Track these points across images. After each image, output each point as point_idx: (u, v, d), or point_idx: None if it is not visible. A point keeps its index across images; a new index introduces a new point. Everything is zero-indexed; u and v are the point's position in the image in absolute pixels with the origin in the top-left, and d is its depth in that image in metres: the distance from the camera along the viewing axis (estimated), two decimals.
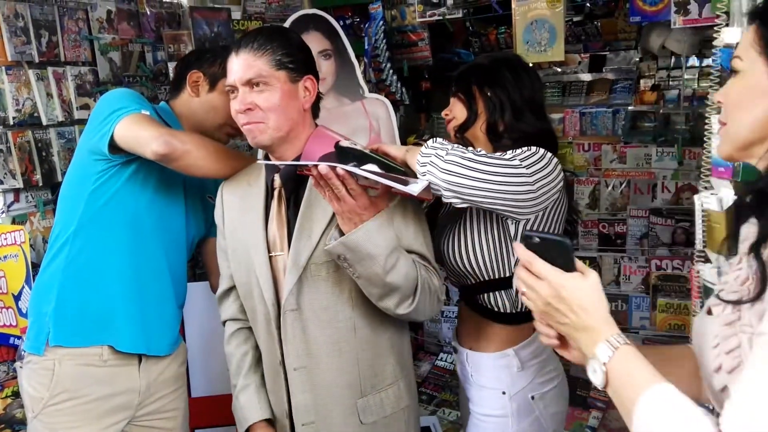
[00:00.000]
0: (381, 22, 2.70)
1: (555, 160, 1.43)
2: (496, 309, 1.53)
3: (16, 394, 2.04)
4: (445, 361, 3.19)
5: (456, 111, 1.60)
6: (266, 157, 1.52)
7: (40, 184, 2.20)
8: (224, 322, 1.61)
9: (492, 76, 1.55)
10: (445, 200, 1.36)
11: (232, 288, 1.56)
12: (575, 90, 3.40)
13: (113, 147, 1.56)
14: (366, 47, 2.72)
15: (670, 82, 2.97)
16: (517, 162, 1.35)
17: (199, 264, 2.11)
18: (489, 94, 1.54)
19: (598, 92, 3.31)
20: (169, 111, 1.74)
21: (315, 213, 1.40)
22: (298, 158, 1.41)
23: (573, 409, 2.76)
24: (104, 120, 1.56)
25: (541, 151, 1.41)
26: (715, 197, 1.44)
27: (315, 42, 2.24)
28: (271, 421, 1.50)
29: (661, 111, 2.99)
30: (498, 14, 2.57)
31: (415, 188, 1.21)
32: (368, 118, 2.26)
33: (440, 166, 1.31)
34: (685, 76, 2.83)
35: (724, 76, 1.41)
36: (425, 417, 2.49)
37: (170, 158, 1.50)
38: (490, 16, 2.73)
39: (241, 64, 1.38)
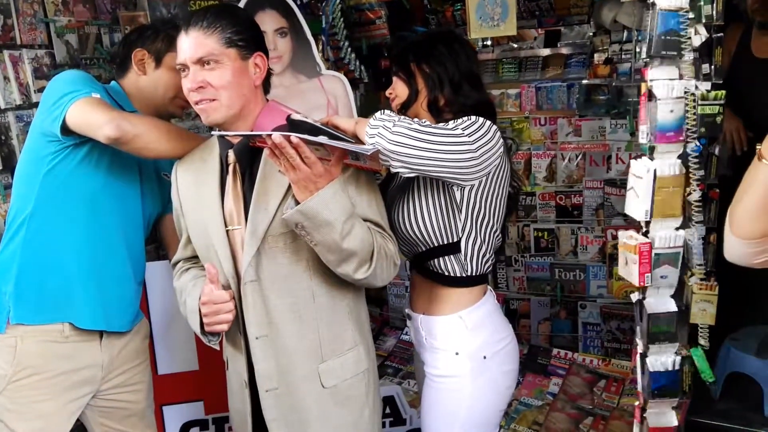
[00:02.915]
0: (338, 0, 2.71)
1: (494, 127, 1.49)
2: (446, 273, 1.58)
3: None
4: (410, 335, 3.26)
5: (398, 89, 1.65)
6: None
7: (0, 167, 2.19)
8: (175, 263, 1.65)
9: (428, 51, 1.60)
10: (393, 170, 1.41)
11: (194, 257, 1.60)
12: (531, 65, 3.45)
13: (65, 129, 1.57)
14: (323, 25, 2.73)
15: (623, 56, 3.04)
16: (459, 131, 1.41)
17: (163, 246, 2.13)
18: (427, 70, 1.59)
19: (554, 67, 3.37)
20: (119, 90, 1.75)
21: (270, 186, 1.43)
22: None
23: (534, 376, 2.87)
24: (55, 103, 1.57)
25: (481, 119, 1.47)
26: (667, 162, 1.49)
27: (271, 20, 2.25)
28: None
29: (614, 84, 3.06)
30: None
31: (367, 148, 1.26)
32: (326, 96, 2.29)
33: (388, 138, 1.36)
34: (637, 50, 2.89)
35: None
36: (389, 386, 2.55)
37: (122, 142, 1.51)
38: None
39: (191, 43, 1.40)
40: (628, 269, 1.49)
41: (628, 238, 1.49)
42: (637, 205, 1.46)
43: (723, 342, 2.65)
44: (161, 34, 1.74)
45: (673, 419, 1.59)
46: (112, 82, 1.78)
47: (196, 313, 1.48)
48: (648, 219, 1.46)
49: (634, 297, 1.55)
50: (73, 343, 1.66)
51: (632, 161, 1.49)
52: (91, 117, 1.52)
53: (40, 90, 2.30)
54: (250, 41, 1.45)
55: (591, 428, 2.55)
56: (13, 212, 1.69)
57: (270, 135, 1.23)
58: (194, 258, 1.62)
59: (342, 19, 2.75)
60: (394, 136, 1.36)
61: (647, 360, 1.55)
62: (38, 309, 1.64)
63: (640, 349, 1.56)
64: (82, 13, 2.50)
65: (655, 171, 1.43)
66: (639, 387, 1.59)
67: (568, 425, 2.60)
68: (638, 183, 1.46)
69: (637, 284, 1.48)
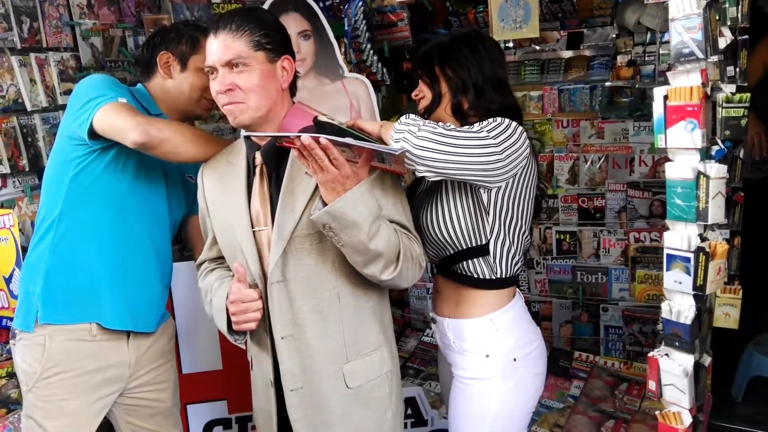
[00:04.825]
0: (360, 3, 2.72)
1: (520, 128, 1.49)
2: (475, 276, 1.58)
3: (11, 375, 2.08)
4: (431, 336, 3.27)
5: (424, 91, 1.65)
6: (246, 136, 1.56)
7: (27, 169, 2.23)
8: (199, 264, 1.66)
9: (452, 55, 1.60)
10: (419, 174, 1.42)
11: (219, 258, 1.61)
12: (554, 67, 3.43)
13: (92, 134, 1.59)
14: (346, 28, 2.74)
15: (646, 58, 3.01)
16: (484, 133, 1.41)
17: (187, 246, 2.16)
18: (450, 74, 1.59)
19: (576, 69, 3.34)
20: (145, 93, 1.77)
21: (297, 187, 1.44)
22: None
23: (556, 379, 2.85)
24: (82, 107, 1.59)
25: (507, 120, 1.46)
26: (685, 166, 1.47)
27: (294, 23, 2.27)
28: None
29: (637, 86, 3.03)
30: None
31: (395, 149, 1.27)
32: (348, 98, 2.30)
33: (413, 142, 1.37)
34: (661, 51, 2.86)
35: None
36: (411, 388, 2.56)
37: (149, 146, 1.53)
38: None
39: (219, 46, 1.41)
40: (722, 275, 1.45)
41: (712, 246, 1.43)
42: (723, 207, 1.43)
43: (746, 346, 2.62)
44: (185, 37, 1.76)
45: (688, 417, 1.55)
46: (138, 85, 1.80)
47: (223, 311, 1.49)
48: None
49: (690, 311, 1.47)
50: (100, 342, 1.69)
51: (719, 165, 1.44)
52: (118, 122, 1.54)
53: (66, 92, 2.35)
54: (278, 44, 1.46)
55: (612, 431, 2.54)
56: (42, 214, 1.71)
57: (299, 136, 1.24)
58: (219, 258, 1.64)
59: (364, 22, 2.76)
60: (419, 140, 1.37)
61: (705, 361, 1.53)
62: (66, 309, 1.67)
63: (696, 358, 1.51)
64: (107, 16, 2.54)
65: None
66: (695, 400, 1.52)
67: (589, 428, 2.59)
68: (722, 185, 1.43)
69: (722, 288, 1.47)
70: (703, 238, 1.45)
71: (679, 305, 1.49)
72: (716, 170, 1.41)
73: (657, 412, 1.57)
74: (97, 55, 2.49)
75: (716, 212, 1.43)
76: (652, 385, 1.56)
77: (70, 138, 1.65)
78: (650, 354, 1.56)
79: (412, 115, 1.43)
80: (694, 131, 1.41)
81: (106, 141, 1.62)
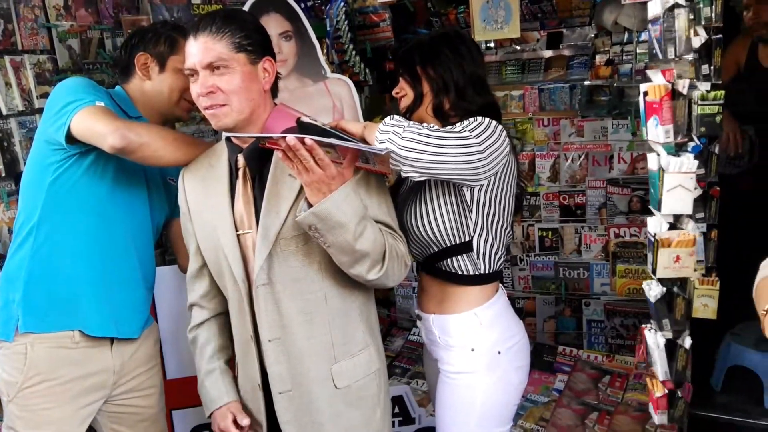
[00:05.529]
0: (342, 3, 2.72)
1: (500, 127, 1.52)
2: (459, 272, 1.61)
3: None
4: (418, 335, 3.27)
5: (406, 89, 1.66)
6: (228, 138, 1.55)
7: (3, 174, 2.17)
8: (190, 307, 1.66)
9: (433, 54, 1.62)
10: (404, 174, 1.43)
11: (203, 266, 1.60)
12: (534, 67, 3.46)
13: (70, 138, 1.57)
14: (328, 29, 2.74)
15: (624, 57, 3.06)
16: (467, 133, 1.43)
17: (169, 250, 2.14)
18: (432, 74, 1.61)
19: (556, 68, 3.38)
20: (124, 96, 1.75)
21: (281, 189, 1.44)
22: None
23: (540, 374, 2.88)
24: (60, 111, 1.57)
25: (487, 120, 1.49)
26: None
27: (275, 24, 2.26)
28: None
29: (615, 85, 3.08)
30: None
31: (380, 149, 1.28)
32: (331, 99, 2.30)
33: (399, 143, 1.38)
34: (638, 51, 2.91)
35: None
36: (398, 387, 2.57)
37: (128, 151, 1.52)
38: None
39: (200, 48, 1.40)
40: (682, 264, 1.53)
41: (675, 237, 1.52)
42: (687, 200, 1.50)
43: (724, 336, 2.68)
44: (163, 37, 1.74)
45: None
46: (117, 87, 1.78)
47: (207, 408, 1.58)
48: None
49: (655, 293, 1.58)
50: (83, 349, 1.67)
51: (676, 159, 1.51)
52: (96, 127, 1.52)
53: (43, 96, 2.30)
54: (259, 46, 1.45)
55: (596, 423, 2.57)
56: (20, 220, 1.69)
57: (284, 137, 1.24)
58: (208, 293, 1.62)
59: (346, 22, 2.76)
60: (405, 141, 1.38)
61: (686, 342, 1.62)
62: (47, 317, 1.64)
63: (669, 336, 1.61)
64: (84, 18, 2.49)
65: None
66: (669, 375, 1.64)
67: (574, 421, 2.62)
68: (687, 179, 1.49)
69: (692, 275, 1.55)
70: (673, 227, 1.52)
71: (648, 285, 1.62)
72: (673, 164, 1.48)
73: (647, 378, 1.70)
74: (75, 57, 2.45)
75: (673, 204, 1.51)
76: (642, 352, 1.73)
77: (47, 143, 1.63)
78: (643, 325, 1.70)
79: (396, 116, 1.45)
80: (657, 127, 1.49)
81: (84, 145, 1.59)
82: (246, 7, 2.26)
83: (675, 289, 1.60)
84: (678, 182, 1.49)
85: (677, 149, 1.52)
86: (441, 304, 1.66)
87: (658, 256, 1.53)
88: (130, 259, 1.75)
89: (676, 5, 1.45)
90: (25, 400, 1.63)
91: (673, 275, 1.55)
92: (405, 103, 1.67)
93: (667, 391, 1.65)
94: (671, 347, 1.62)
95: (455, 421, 1.63)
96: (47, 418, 1.64)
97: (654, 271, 1.57)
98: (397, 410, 2.43)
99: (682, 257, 1.52)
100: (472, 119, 1.49)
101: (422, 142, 1.38)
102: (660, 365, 1.63)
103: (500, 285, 1.70)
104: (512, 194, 1.62)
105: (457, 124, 1.49)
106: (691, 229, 1.54)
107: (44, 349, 1.63)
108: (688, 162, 1.49)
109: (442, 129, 1.45)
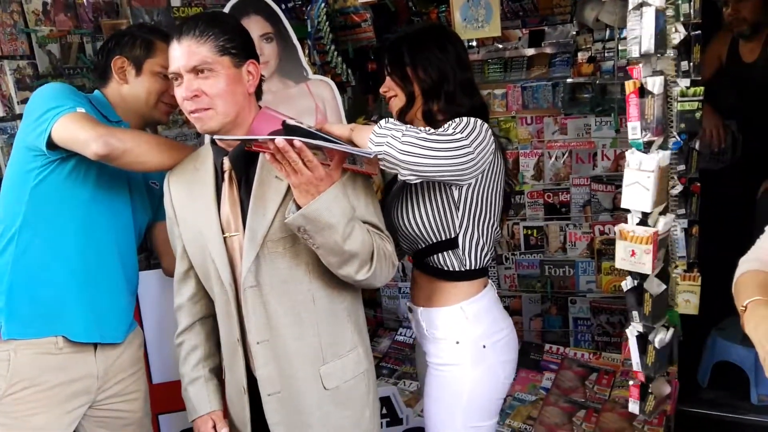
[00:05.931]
0: (322, 4, 2.71)
1: (486, 125, 1.53)
2: (445, 268, 1.64)
3: None
4: (404, 335, 3.28)
5: (395, 89, 1.67)
6: (213, 141, 1.55)
7: None
8: (177, 309, 1.65)
9: (422, 52, 1.62)
10: (401, 178, 1.45)
11: (190, 269, 1.59)
12: (516, 65, 3.48)
13: (51, 144, 1.56)
14: (309, 30, 2.73)
15: (606, 54, 3.07)
16: (458, 135, 1.45)
17: (153, 254, 2.12)
18: (422, 76, 1.62)
19: (538, 66, 3.40)
20: (103, 100, 1.74)
21: (268, 191, 1.44)
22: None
23: (527, 372, 2.89)
24: (40, 118, 1.56)
25: (473, 119, 1.51)
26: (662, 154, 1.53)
27: (256, 26, 2.25)
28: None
29: (597, 82, 3.08)
30: None
31: (368, 151, 1.29)
32: (314, 100, 2.30)
33: (398, 148, 1.39)
34: (619, 48, 2.92)
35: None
36: (386, 387, 2.57)
37: (111, 158, 1.51)
38: None
39: (184, 51, 1.40)
40: (637, 259, 1.53)
41: (631, 231, 1.53)
42: (645, 198, 1.50)
43: (709, 332, 2.70)
44: (138, 40, 1.73)
45: (668, 387, 1.72)
46: (95, 91, 1.77)
47: (190, 414, 1.62)
48: (651, 210, 1.53)
49: (627, 284, 1.60)
50: (67, 354, 1.66)
51: (635, 156, 1.51)
52: (78, 134, 1.51)
53: (24, 101, 2.28)
54: (243, 48, 1.45)
55: (584, 421, 2.59)
56: (1, 227, 1.67)
57: (272, 139, 1.24)
58: (195, 296, 1.61)
59: (327, 23, 2.75)
60: (404, 145, 1.39)
61: (656, 340, 1.62)
62: (30, 323, 1.63)
63: (640, 329, 1.62)
64: (64, 23, 2.47)
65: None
66: (640, 366, 1.65)
67: (561, 419, 2.63)
68: (644, 177, 1.49)
69: (650, 272, 1.54)
70: (642, 222, 1.54)
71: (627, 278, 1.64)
72: (632, 161, 1.50)
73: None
74: (55, 62, 2.43)
75: (631, 200, 1.52)
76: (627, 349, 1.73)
77: (27, 149, 1.62)
78: None
79: (391, 120, 1.46)
80: (629, 122, 1.51)
81: (65, 151, 1.58)
82: (226, 10, 2.25)
83: (643, 284, 1.60)
84: (635, 179, 1.50)
85: (647, 147, 1.52)
86: (430, 298, 1.69)
87: (616, 246, 1.56)
88: (113, 263, 1.74)
89: (644, 3, 1.46)
90: (9, 406, 1.61)
91: (630, 269, 1.56)
92: (397, 104, 1.67)
93: (639, 383, 1.66)
94: (643, 341, 1.63)
95: (441, 413, 1.66)
96: (32, 425, 1.62)
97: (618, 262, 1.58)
98: (384, 411, 2.43)
99: (637, 252, 1.52)
100: (458, 119, 1.51)
101: (421, 146, 1.40)
102: (633, 356, 1.66)
103: (489, 281, 1.72)
104: (500, 191, 1.64)
105: (446, 125, 1.50)
106: (663, 227, 1.54)
107: (28, 355, 1.62)
108: (639, 158, 1.50)
109: (435, 132, 1.46)
